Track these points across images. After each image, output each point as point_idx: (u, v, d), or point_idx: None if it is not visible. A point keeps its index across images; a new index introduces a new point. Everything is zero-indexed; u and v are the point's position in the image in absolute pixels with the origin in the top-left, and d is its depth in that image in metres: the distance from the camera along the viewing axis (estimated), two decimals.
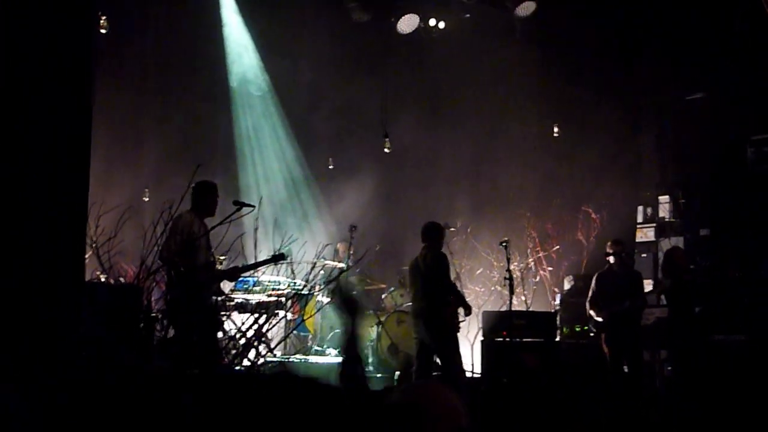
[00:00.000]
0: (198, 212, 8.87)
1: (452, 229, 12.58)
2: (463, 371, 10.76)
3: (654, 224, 15.18)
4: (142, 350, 6.10)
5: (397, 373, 11.96)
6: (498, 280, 13.37)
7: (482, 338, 11.86)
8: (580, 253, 14.46)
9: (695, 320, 10.49)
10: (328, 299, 12.34)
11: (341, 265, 12.16)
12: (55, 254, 4.76)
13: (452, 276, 10.87)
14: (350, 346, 4.51)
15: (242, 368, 7.20)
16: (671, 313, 10.78)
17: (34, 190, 4.75)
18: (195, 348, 6.70)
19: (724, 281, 11.51)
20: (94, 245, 6.42)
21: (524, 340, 11.31)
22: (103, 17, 11.79)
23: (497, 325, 11.61)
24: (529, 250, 14.51)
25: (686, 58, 13.93)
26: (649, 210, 15.35)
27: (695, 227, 14.56)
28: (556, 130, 14.82)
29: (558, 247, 14.49)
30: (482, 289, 14.12)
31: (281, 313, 10.39)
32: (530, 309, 13.43)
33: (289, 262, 8.87)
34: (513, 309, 11.15)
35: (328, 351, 12.36)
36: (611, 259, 10.96)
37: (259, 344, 7.56)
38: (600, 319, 10.83)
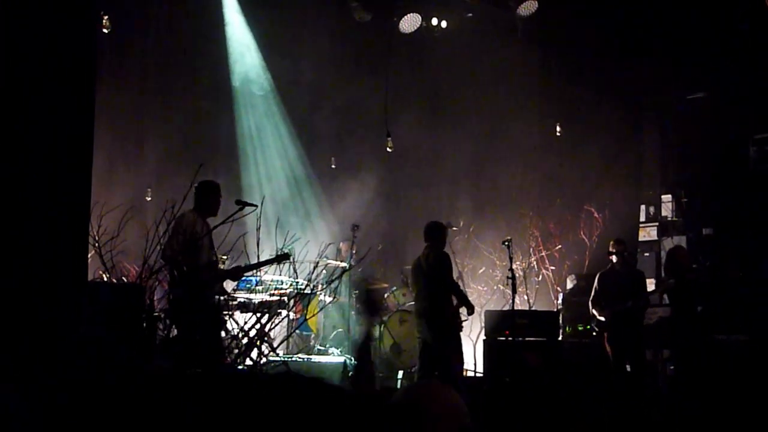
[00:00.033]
0: (201, 212, 8.88)
1: (454, 228, 12.58)
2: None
3: (656, 223, 15.19)
4: (144, 350, 6.11)
5: (401, 372, 11.98)
6: (500, 279, 13.37)
7: (485, 337, 11.86)
8: (582, 252, 14.45)
9: (697, 319, 10.49)
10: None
11: (344, 264, 12.16)
12: (56, 254, 4.77)
13: (455, 275, 10.86)
14: (365, 347, 4.51)
15: (245, 368, 7.21)
16: (673, 312, 10.78)
17: (34, 189, 4.76)
18: (198, 347, 6.71)
19: (727, 280, 11.50)
20: (96, 245, 6.43)
21: (527, 339, 11.30)
22: (105, 17, 11.80)
23: (500, 324, 11.60)
24: (531, 250, 14.51)
25: (688, 57, 13.92)
26: (651, 209, 15.35)
27: (698, 226, 14.57)
28: (558, 129, 14.81)
29: (560, 246, 14.48)
30: (485, 289, 14.12)
31: (284, 312, 10.43)
32: (533, 308, 13.43)
33: (292, 262, 8.88)
34: (515, 308, 11.14)
35: (330, 350, 12.36)
36: (614, 258, 10.96)
37: (261, 344, 7.57)
38: (602, 319, 10.83)
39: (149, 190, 13.62)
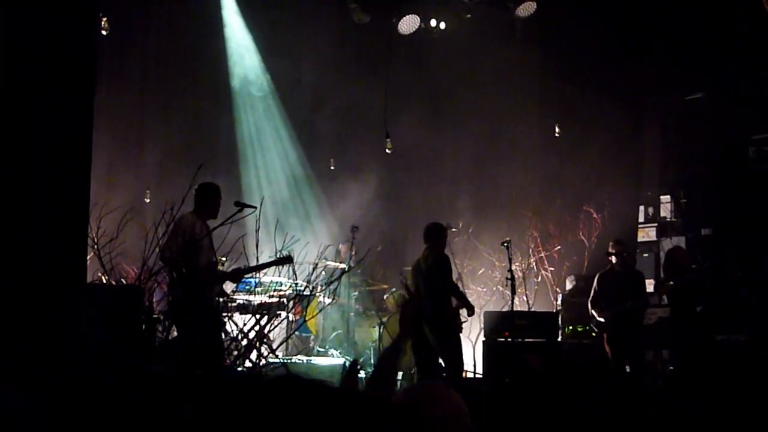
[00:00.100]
0: (201, 214, 8.88)
1: (454, 229, 12.57)
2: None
3: (655, 224, 15.19)
4: (144, 351, 6.10)
5: (400, 373, 11.96)
6: (500, 280, 13.37)
7: (484, 339, 11.86)
8: (581, 253, 14.46)
9: (697, 320, 10.49)
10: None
11: (343, 265, 12.15)
12: (56, 254, 4.77)
13: (454, 276, 10.86)
14: (392, 357, 4.47)
15: (244, 369, 7.20)
16: (673, 312, 10.78)
17: (34, 190, 4.75)
18: (197, 349, 6.71)
19: (726, 281, 11.50)
20: (95, 246, 6.42)
21: (526, 340, 11.30)
22: (104, 19, 11.79)
23: (499, 325, 11.60)
24: (530, 250, 14.51)
25: (687, 57, 13.92)
26: (650, 210, 15.35)
27: (697, 227, 14.57)
28: (557, 130, 14.80)
29: (559, 247, 14.49)
30: (484, 290, 14.12)
31: (283, 314, 10.42)
32: (532, 309, 13.42)
33: (291, 264, 8.86)
34: (515, 309, 11.14)
35: (330, 352, 12.35)
36: (613, 259, 10.96)
37: (260, 345, 7.56)
38: (602, 319, 10.83)
39: (148, 191, 13.62)
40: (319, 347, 12.57)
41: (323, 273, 9.78)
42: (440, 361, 10.33)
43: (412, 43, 14.81)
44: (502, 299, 13.23)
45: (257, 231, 7.29)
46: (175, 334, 7.01)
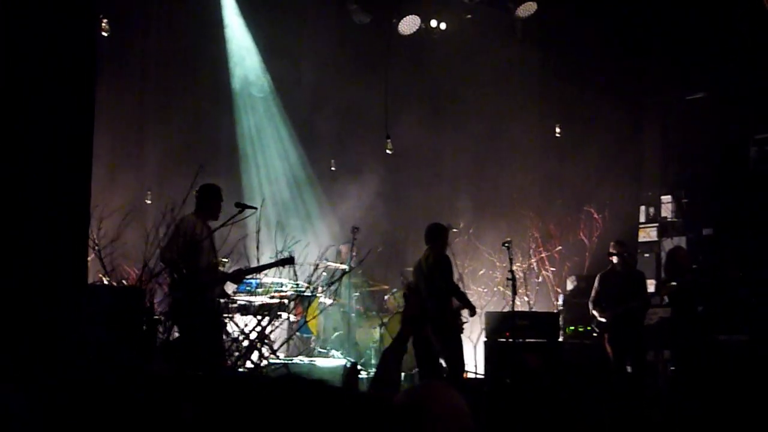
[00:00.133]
0: (202, 215, 8.87)
1: (454, 230, 12.57)
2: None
3: (656, 224, 15.18)
4: (144, 352, 6.10)
5: (402, 374, 11.95)
6: (501, 280, 13.35)
7: (485, 339, 11.86)
8: (582, 253, 14.45)
9: (698, 320, 10.49)
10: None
11: (344, 266, 12.15)
12: (56, 254, 4.77)
13: (455, 277, 10.85)
14: (396, 355, 4.46)
15: (245, 370, 7.20)
16: (674, 312, 10.78)
17: (34, 190, 4.75)
18: (198, 350, 6.71)
19: (727, 281, 11.49)
20: (96, 248, 6.43)
21: (527, 340, 11.29)
22: (105, 20, 11.79)
23: (500, 325, 11.60)
24: (531, 251, 14.51)
25: (688, 57, 13.91)
26: (651, 210, 15.34)
27: (698, 227, 14.55)
28: (557, 130, 14.80)
29: (560, 247, 14.48)
30: (485, 290, 14.11)
31: (284, 314, 10.42)
32: (533, 309, 13.42)
33: (292, 265, 8.86)
34: (516, 310, 11.13)
35: (331, 352, 12.35)
36: (614, 259, 10.96)
37: (262, 346, 7.56)
38: (603, 320, 10.83)
39: (149, 192, 13.62)
40: (320, 348, 12.57)
41: (324, 274, 9.78)
42: (442, 361, 10.33)
43: (412, 44, 14.81)
44: (503, 300, 13.22)
45: (258, 232, 7.29)
46: (176, 335, 7.01)
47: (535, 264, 14.48)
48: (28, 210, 4.73)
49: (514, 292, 10.87)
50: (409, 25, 14.24)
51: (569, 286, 14.11)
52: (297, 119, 15.74)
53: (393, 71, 14.60)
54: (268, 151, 15.77)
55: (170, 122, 14.48)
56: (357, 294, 12.92)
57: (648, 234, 15.26)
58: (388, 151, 14.29)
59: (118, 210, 7.10)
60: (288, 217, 14.67)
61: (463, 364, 10.62)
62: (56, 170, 4.84)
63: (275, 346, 9.41)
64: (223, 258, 9.11)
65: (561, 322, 12.31)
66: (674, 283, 10.67)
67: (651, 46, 14.15)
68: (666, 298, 11.33)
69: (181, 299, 7.49)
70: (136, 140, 14.48)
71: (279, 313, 10.20)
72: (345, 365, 11.08)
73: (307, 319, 11.55)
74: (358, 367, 11.39)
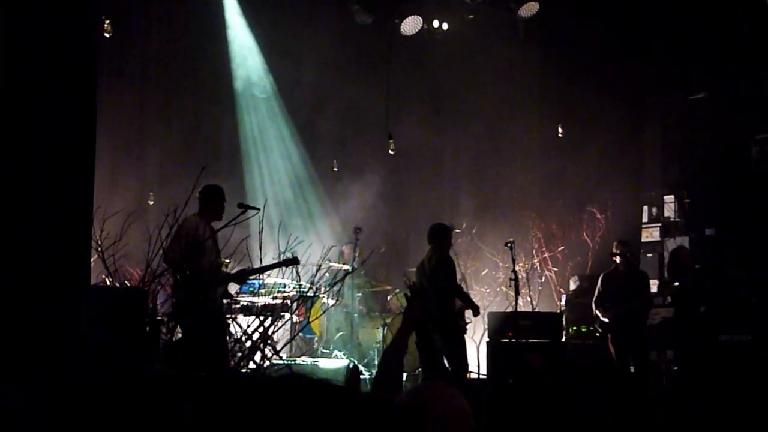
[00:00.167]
0: (205, 216, 8.87)
1: (457, 230, 12.57)
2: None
3: (659, 224, 15.19)
4: (147, 353, 6.10)
5: (404, 374, 11.94)
6: (503, 281, 13.35)
7: (488, 339, 11.86)
8: (585, 253, 14.45)
9: (700, 320, 10.48)
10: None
11: (346, 267, 12.15)
12: (56, 254, 4.77)
13: (458, 278, 10.85)
14: (394, 357, 4.45)
15: (248, 371, 7.20)
16: (676, 312, 10.77)
17: (34, 190, 4.75)
18: (202, 350, 6.71)
19: (729, 281, 11.48)
20: (99, 249, 6.43)
21: (530, 341, 11.30)
22: (107, 21, 11.79)
23: (503, 326, 11.60)
24: (534, 251, 14.51)
25: (689, 57, 13.92)
26: (654, 210, 15.34)
27: (700, 227, 14.56)
28: (559, 130, 14.80)
29: (563, 247, 14.48)
30: (488, 290, 14.11)
31: (287, 315, 10.42)
32: (536, 310, 13.43)
33: (295, 265, 8.85)
34: (518, 310, 11.13)
35: (334, 353, 12.34)
36: (617, 259, 10.96)
37: (264, 347, 7.56)
38: (606, 320, 10.83)
39: (152, 193, 13.62)
40: (323, 348, 12.56)
41: (327, 274, 9.78)
42: (445, 362, 10.32)
43: (414, 44, 14.82)
44: (506, 300, 13.21)
45: (260, 232, 7.28)
46: (179, 336, 7.01)
47: (537, 264, 14.48)
48: (29, 210, 4.73)
49: (517, 293, 10.87)
50: (411, 25, 14.25)
51: (572, 286, 14.10)
52: (299, 120, 15.75)
53: (395, 71, 14.62)
54: (271, 152, 15.78)
55: (172, 123, 14.50)
56: (360, 294, 12.92)
57: (651, 234, 15.28)
58: (390, 152, 14.30)
59: (121, 211, 7.09)
60: (290, 217, 14.68)
61: (466, 365, 10.62)
62: (56, 170, 4.84)
63: (278, 347, 9.40)
64: (225, 259, 9.11)
65: (564, 323, 12.31)
66: (677, 284, 10.67)
67: (652, 47, 14.15)
68: (669, 298, 11.32)
69: (184, 300, 7.49)
70: (137, 141, 14.49)
71: (282, 313, 10.20)
72: (348, 366, 11.08)
73: (310, 320, 11.53)
74: (361, 367, 11.39)
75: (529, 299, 13.77)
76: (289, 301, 10.49)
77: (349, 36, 14.84)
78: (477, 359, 12.71)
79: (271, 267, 8.64)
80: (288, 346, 11.07)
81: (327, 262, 10.37)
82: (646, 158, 15.75)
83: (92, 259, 5.79)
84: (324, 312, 11.79)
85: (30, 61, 4.80)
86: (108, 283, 7.94)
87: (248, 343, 7.40)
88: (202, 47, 14.73)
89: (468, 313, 10.65)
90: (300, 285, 10.44)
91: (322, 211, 15.80)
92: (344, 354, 12.16)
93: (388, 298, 13.24)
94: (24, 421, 3.24)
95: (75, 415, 3.73)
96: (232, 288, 9.99)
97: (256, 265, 8.18)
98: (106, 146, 11.99)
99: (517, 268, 11.08)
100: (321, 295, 11.14)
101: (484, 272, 14.31)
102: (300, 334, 11.85)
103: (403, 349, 4.40)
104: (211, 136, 14.92)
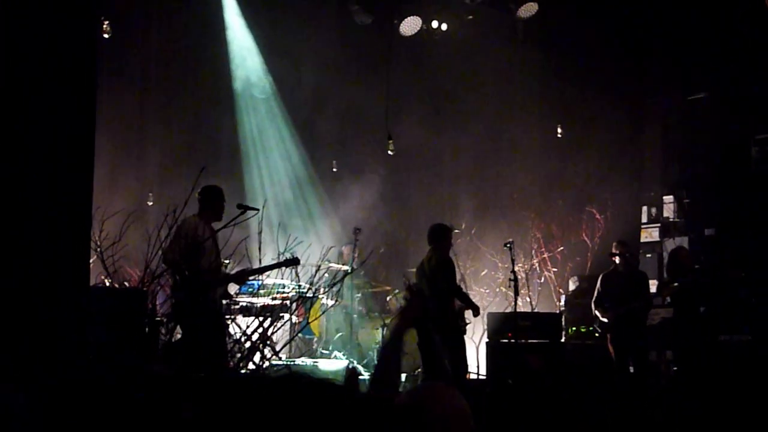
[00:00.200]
0: (204, 216, 8.86)
1: (456, 231, 12.57)
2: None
3: (658, 224, 15.18)
4: (146, 353, 6.10)
5: (404, 375, 11.94)
6: (503, 281, 13.35)
7: (487, 340, 11.86)
8: (584, 253, 14.44)
9: (700, 320, 10.49)
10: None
11: (346, 267, 12.15)
12: (56, 254, 4.77)
13: (457, 278, 10.85)
14: (395, 353, 4.44)
15: (248, 371, 7.20)
16: (676, 313, 10.78)
17: (34, 190, 4.75)
18: (201, 351, 6.71)
19: (729, 281, 11.49)
20: (98, 250, 6.42)
21: (529, 341, 11.30)
22: (106, 22, 11.80)
23: (502, 326, 11.60)
24: (533, 251, 14.51)
25: (689, 58, 13.92)
26: (653, 210, 15.34)
27: (699, 227, 14.55)
28: (559, 130, 14.80)
29: (562, 248, 14.47)
30: (487, 291, 14.11)
31: (286, 316, 10.42)
32: (535, 310, 13.42)
33: (294, 266, 8.85)
34: (518, 310, 11.13)
35: (333, 354, 12.34)
36: (616, 259, 10.96)
37: (264, 347, 7.56)
38: (605, 320, 10.83)
39: (151, 194, 13.62)
40: (323, 349, 12.56)
41: (326, 275, 9.78)
42: (446, 363, 10.31)
43: (413, 44, 14.82)
44: (505, 300, 13.21)
45: (260, 233, 7.28)
46: (179, 336, 7.01)
47: (537, 264, 14.48)
48: (28, 210, 4.73)
49: (516, 293, 10.87)
50: (410, 26, 14.24)
51: (571, 286, 14.10)
52: (298, 120, 15.75)
53: (394, 72, 14.61)
54: (270, 152, 15.79)
55: (172, 123, 14.51)
56: (359, 295, 12.92)
57: (650, 234, 15.27)
58: (390, 152, 14.30)
59: (120, 211, 7.08)
60: (290, 217, 14.68)
61: (465, 366, 10.61)
62: (56, 170, 4.85)
63: (277, 348, 9.41)
64: (225, 259, 9.11)
65: (563, 323, 12.31)
66: (676, 284, 10.67)
67: (652, 47, 14.16)
68: (668, 299, 11.33)
69: (183, 301, 7.49)
70: (137, 141, 14.49)
71: (281, 314, 10.20)
72: (347, 366, 11.08)
73: (310, 321, 11.54)
74: (361, 368, 11.39)
75: (528, 299, 13.78)
76: (288, 302, 10.50)
77: (349, 36, 14.84)
78: (476, 359, 12.71)
79: (271, 267, 8.63)
80: (287, 346, 11.08)
81: (326, 262, 10.37)
82: (646, 158, 15.74)
83: (91, 260, 5.78)
84: (323, 313, 11.78)
85: (30, 61, 4.80)
86: (107, 284, 7.95)
87: (248, 344, 7.41)
88: (201, 47, 14.73)
89: (468, 313, 10.64)
90: (299, 286, 10.45)
91: (321, 212, 15.80)
92: (344, 355, 12.16)
93: (388, 298, 13.24)
94: (24, 421, 3.24)
95: (75, 415, 3.73)
96: (232, 289, 9.99)
97: (256, 265, 8.20)
98: (106, 146, 11.99)
99: (516, 268, 11.08)
100: (320, 296, 11.15)
101: (483, 272, 14.30)
102: (299, 334, 11.85)
103: (400, 347, 4.39)
104: (210, 136, 14.93)
